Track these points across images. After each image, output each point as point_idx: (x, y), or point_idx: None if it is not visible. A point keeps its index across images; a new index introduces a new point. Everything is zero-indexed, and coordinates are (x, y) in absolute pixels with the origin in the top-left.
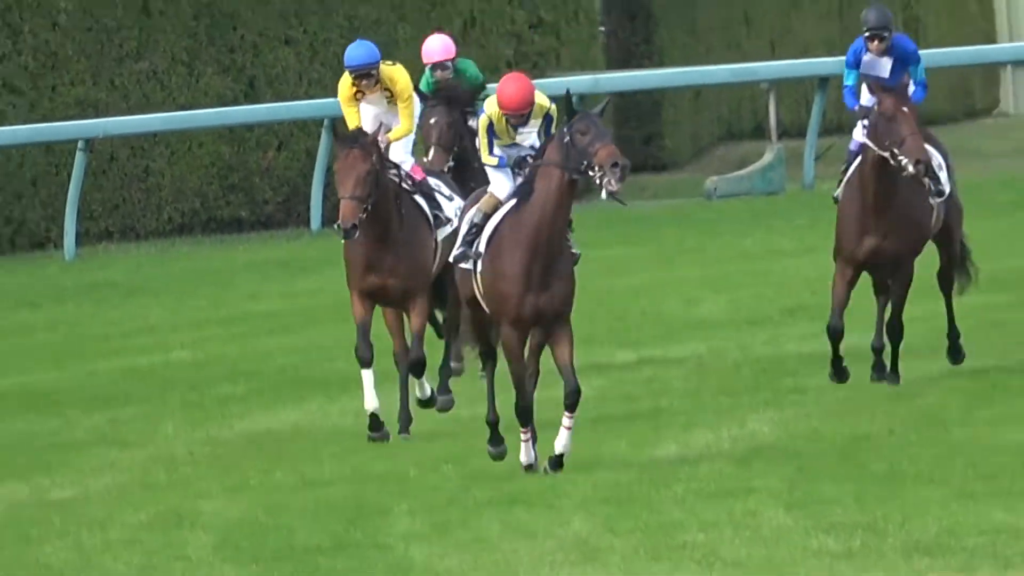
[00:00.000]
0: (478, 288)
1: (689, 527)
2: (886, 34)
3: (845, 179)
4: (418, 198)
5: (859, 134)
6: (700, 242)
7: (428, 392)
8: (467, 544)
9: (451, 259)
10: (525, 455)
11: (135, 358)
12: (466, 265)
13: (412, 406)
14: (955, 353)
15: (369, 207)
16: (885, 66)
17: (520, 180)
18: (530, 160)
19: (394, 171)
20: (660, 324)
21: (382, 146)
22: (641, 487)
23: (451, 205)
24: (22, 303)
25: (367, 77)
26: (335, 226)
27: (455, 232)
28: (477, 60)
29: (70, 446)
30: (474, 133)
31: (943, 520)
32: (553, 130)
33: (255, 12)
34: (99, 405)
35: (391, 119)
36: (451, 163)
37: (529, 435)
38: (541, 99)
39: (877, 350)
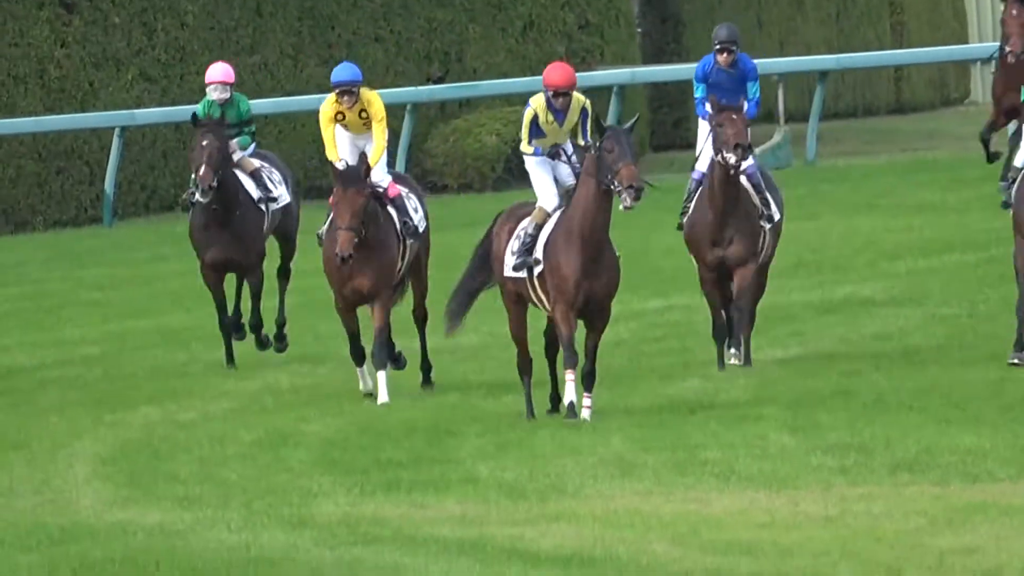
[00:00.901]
0: (533, 291)
1: (709, 447)
2: (734, 48)
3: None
4: (391, 210)
5: (702, 165)
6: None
7: (371, 386)
8: (524, 460)
9: (511, 269)
10: (573, 393)
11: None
12: (521, 273)
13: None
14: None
15: (363, 234)
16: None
17: (565, 193)
18: (563, 152)
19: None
20: (686, 278)
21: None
22: (670, 413)
23: (418, 215)
24: (156, 256)
25: (349, 94)
26: (337, 256)
27: (426, 234)
28: (533, 56)
29: (194, 376)
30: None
31: (922, 442)
32: (589, 125)
33: (350, 14)
34: (218, 342)
35: (364, 142)
36: (215, 183)
37: (573, 375)
38: (578, 95)
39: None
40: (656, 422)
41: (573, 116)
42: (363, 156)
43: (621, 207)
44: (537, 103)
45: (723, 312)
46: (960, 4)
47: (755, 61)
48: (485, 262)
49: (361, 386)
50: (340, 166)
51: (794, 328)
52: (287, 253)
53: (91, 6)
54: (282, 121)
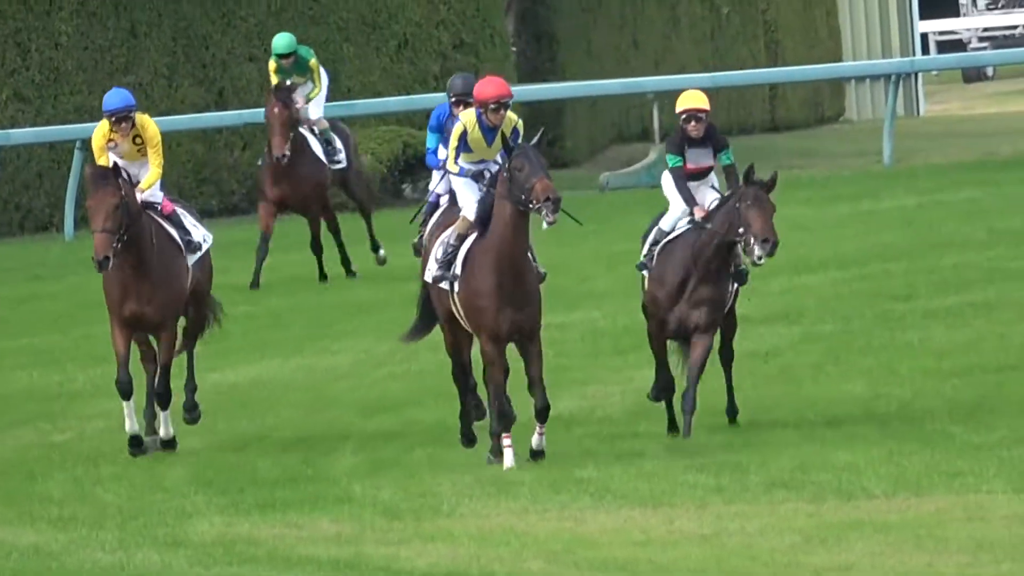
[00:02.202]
0: (456, 307)
1: (585, 465)
2: (471, 100)
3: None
4: (169, 227)
5: (436, 185)
6: (594, 227)
7: (171, 434)
8: (400, 479)
9: (430, 279)
10: (509, 459)
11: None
12: (444, 285)
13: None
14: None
15: (123, 238)
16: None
17: (482, 207)
18: (487, 175)
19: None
20: (561, 296)
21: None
22: (546, 431)
23: (198, 231)
24: (30, 277)
25: (125, 120)
26: (93, 260)
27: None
28: (408, 75)
29: (69, 396)
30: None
31: (797, 460)
32: (520, 141)
33: (224, 34)
34: (94, 362)
35: (138, 169)
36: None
37: (511, 440)
38: (511, 114)
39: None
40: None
41: (505, 133)
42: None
43: (544, 225)
44: (467, 118)
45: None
46: (834, 23)
47: (631, 80)
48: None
49: (127, 426)
50: (88, 168)
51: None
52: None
53: None
54: None
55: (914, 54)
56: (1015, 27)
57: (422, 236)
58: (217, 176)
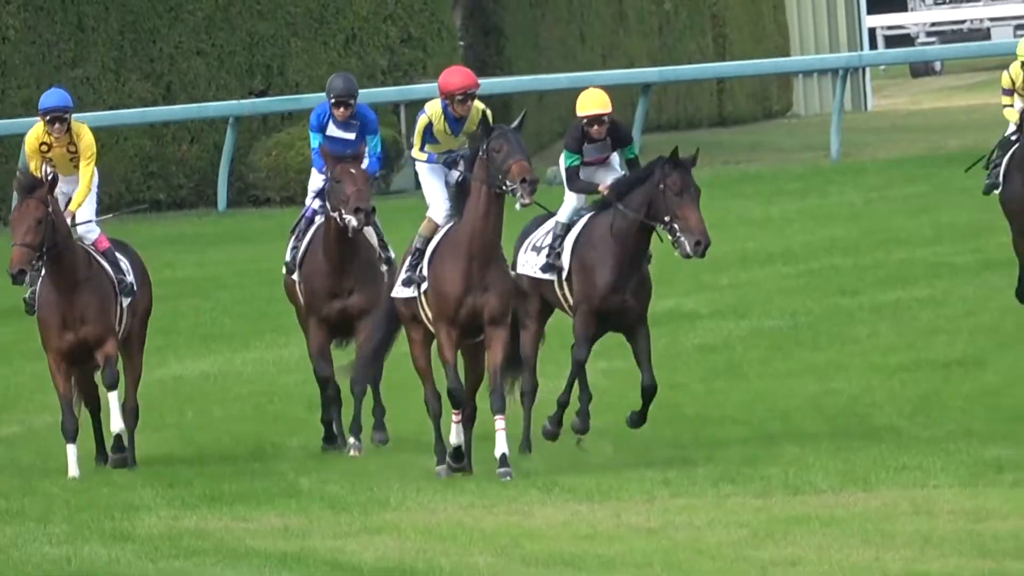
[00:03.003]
0: (423, 310)
1: (532, 459)
2: (352, 101)
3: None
4: (103, 262)
5: (313, 190)
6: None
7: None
8: (347, 473)
9: (399, 284)
10: (455, 436)
11: None
12: (409, 292)
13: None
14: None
15: (43, 256)
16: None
17: (456, 192)
18: (460, 161)
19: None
20: None
21: (60, 205)
22: (492, 426)
23: (129, 278)
24: None
25: (60, 121)
26: (9, 273)
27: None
28: (356, 69)
29: (17, 390)
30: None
31: (744, 454)
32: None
33: (171, 28)
34: (40, 356)
35: (70, 185)
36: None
37: (459, 418)
38: (477, 103)
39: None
40: (479, 434)
41: (471, 126)
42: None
43: (517, 205)
44: (432, 110)
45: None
46: (782, 18)
47: (577, 74)
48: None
49: (71, 470)
50: (19, 175)
51: (619, 340)
52: None
53: None
54: (105, 135)
55: (862, 49)
56: (963, 22)
57: (296, 252)
58: (165, 170)
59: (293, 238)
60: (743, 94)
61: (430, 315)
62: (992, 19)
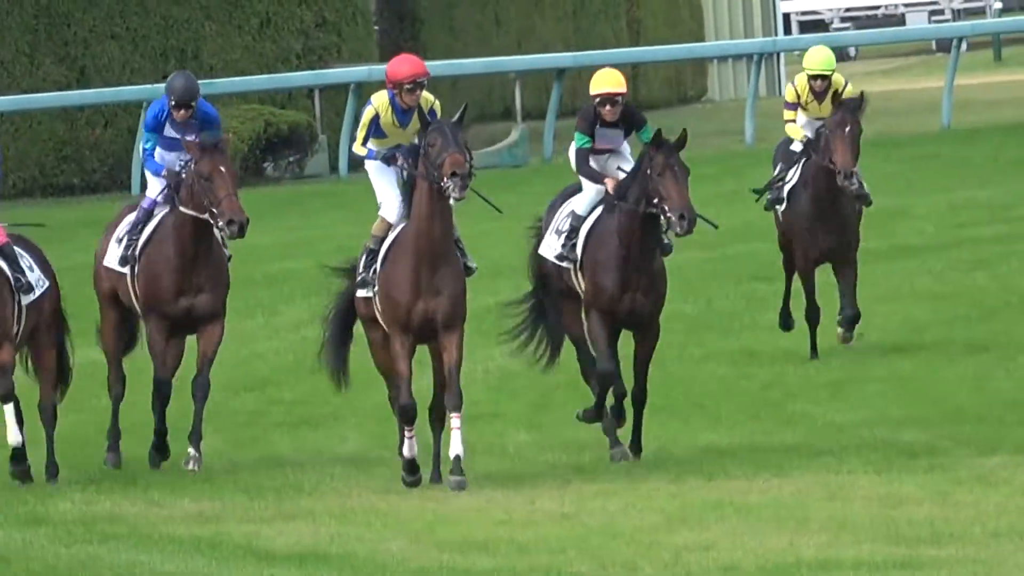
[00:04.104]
0: (377, 309)
1: (446, 444)
2: (193, 103)
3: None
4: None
5: (153, 192)
6: (458, 206)
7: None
8: (261, 458)
9: (355, 285)
10: (408, 450)
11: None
12: (365, 292)
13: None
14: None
15: None
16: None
17: (404, 191)
18: (399, 156)
19: None
20: None
21: None
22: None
23: (33, 275)
24: None
25: None
26: None
27: (46, 299)
28: (270, 53)
29: None
30: None
31: (659, 440)
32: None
33: (86, 12)
34: None
35: None
36: None
37: (413, 433)
38: (427, 94)
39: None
40: (392, 420)
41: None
42: None
43: (451, 200)
44: (379, 101)
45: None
46: (697, 2)
47: (493, 59)
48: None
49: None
50: None
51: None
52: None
53: None
54: (18, 119)
55: (776, 34)
56: (877, 8)
57: (134, 248)
58: (79, 154)
59: (128, 230)
60: (658, 79)
61: (381, 319)
62: (907, 5)
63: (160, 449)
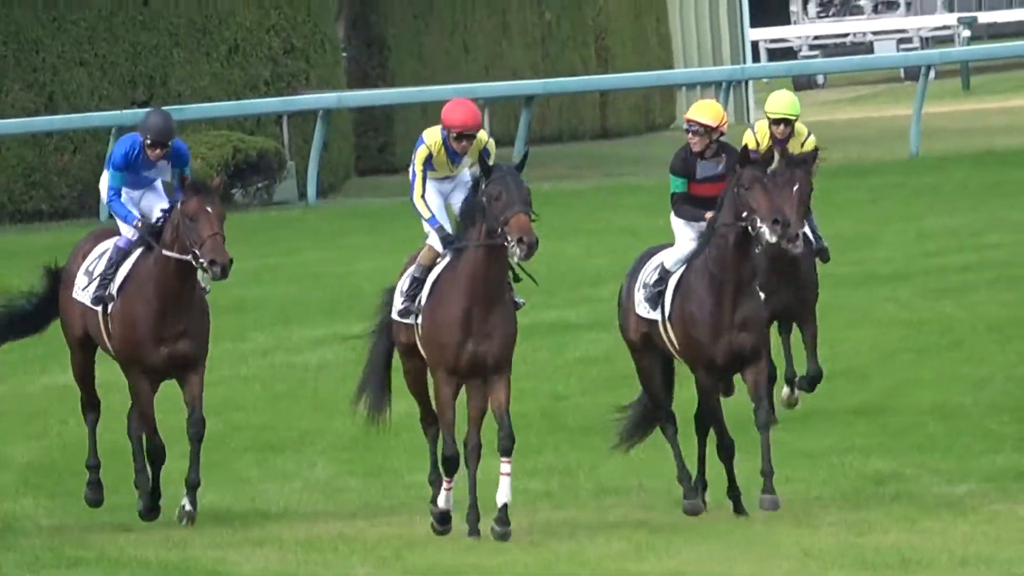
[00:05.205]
0: (419, 339)
1: (414, 470)
2: (169, 143)
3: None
4: None
5: (129, 232)
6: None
7: None
8: (228, 483)
9: (395, 314)
10: (444, 501)
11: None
12: (408, 320)
13: None
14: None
15: None
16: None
17: (454, 226)
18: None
19: None
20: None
21: None
22: (375, 437)
23: None
24: None
25: None
26: None
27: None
28: (238, 80)
29: None
30: None
31: (627, 466)
32: (491, 162)
33: (55, 38)
34: None
35: None
36: None
37: (451, 484)
38: (481, 134)
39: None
40: (362, 445)
41: (472, 158)
42: None
43: (514, 260)
44: (432, 140)
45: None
46: (665, 30)
47: (461, 86)
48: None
49: None
50: None
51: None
52: None
53: None
54: None
55: (745, 61)
56: (845, 35)
57: (108, 285)
58: (47, 180)
59: (102, 266)
60: (626, 106)
61: (425, 356)
62: (875, 33)
63: (151, 509)
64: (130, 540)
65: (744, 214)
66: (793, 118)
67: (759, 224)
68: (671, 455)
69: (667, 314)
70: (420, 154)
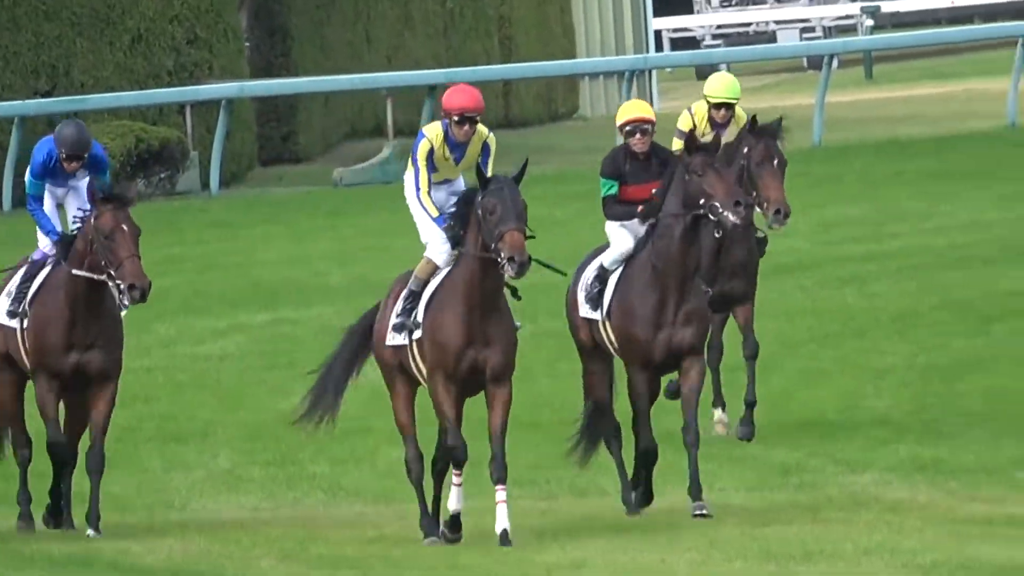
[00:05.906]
0: (413, 361)
1: (318, 461)
2: (85, 155)
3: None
4: None
5: (45, 245)
6: (329, 223)
7: None
8: (132, 474)
9: (390, 330)
10: (455, 500)
11: None
12: (401, 339)
13: None
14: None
15: None
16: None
17: (450, 231)
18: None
19: None
20: (294, 291)
21: None
22: (278, 427)
23: None
24: None
25: None
26: None
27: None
28: (142, 70)
29: None
30: None
31: (531, 457)
32: (490, 163)
33: None
34: None
35: None
36: None
37: (461, 479)
38: (482, 127)
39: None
40: (265, 436)
41: (474, 150)
42: None
43: (506, 276)
44: (432, 133)
45: None
46: (568, 20)
47: (364, 75)
48: (366, 338)
49: None
50: None
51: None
52: None
53: None
54: None
55: (648, 51)
56: (748, 25)
57: (24, 301)
58: None
59: (17, 280)
60: (529, 96)
61: (422, 367)
62: (778, 22)
63: (55, 514)
64: (32, 533)
65: (701, 200)
66: (734, 102)
67: (720, 209)
68: (562, 443)
69: (606, 311)
70: (422, 148)
